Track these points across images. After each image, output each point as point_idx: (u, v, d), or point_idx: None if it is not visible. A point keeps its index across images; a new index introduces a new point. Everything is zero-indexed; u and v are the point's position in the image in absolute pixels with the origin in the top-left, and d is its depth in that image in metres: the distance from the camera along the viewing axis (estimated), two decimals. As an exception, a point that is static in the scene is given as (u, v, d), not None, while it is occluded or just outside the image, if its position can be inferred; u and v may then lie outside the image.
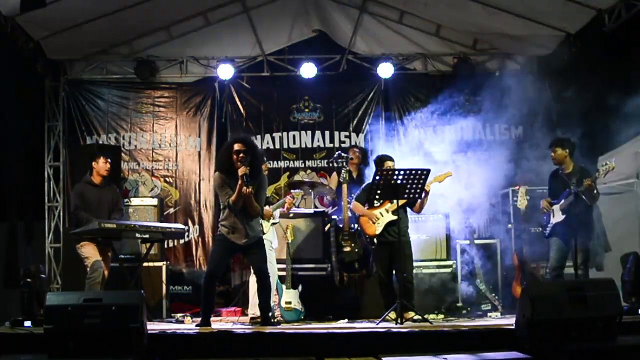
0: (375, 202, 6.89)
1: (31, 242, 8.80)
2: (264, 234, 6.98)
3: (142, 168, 9.37)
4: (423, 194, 6.68)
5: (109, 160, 7.09)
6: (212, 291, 6.39)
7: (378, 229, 6.83)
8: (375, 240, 6.87)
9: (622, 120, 7.21)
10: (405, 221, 6.88)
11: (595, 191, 6.42)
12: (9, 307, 7.10)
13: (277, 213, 7.50)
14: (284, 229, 7.56)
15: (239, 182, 5.99)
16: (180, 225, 7.85)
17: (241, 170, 5.97)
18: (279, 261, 7.50)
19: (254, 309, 6.94)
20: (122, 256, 7.42)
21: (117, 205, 7.16)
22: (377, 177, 6.54)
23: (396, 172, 6.48)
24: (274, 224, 7.33)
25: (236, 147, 6.09)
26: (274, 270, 7.21)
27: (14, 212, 8.66)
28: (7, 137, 8.16)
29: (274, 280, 7.20)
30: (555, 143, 6.79)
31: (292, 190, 7.65)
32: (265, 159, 7.48)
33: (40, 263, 8.58)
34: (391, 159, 7.23)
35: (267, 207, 7.15)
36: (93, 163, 7.05)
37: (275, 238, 7.40)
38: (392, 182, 6.43)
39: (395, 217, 6.68)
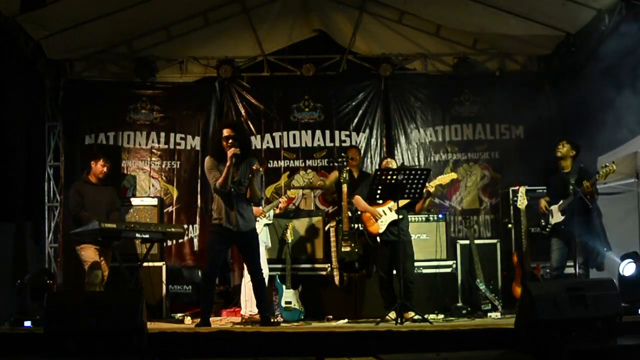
0: (377, 200, 6.88)
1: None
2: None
3: (141, 166, 9.34)
4: (425, 195, 6.68)
5: (108, 165, 7.07)
6: (211, 290, 6.40)
7: (382, 227, 6.81)
8: (378, 239, 6.85)
9: (622, 120, 7.21)
10: (406, 220, 6.88)
11: (595, 193, 6.46)
12: (8, 307, 7.09)
13: (271, 213, 7.48)
14: (284, 229, 7.56)
15: (227, 163, 5.95)
16: (180, 226, 7.85)
17: (230, 151, 5.93)
18: (278, 261, 7.49)
19: (248, 309, 6.96)
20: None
21: (114, 204, 7.15)
22: (377, 177, 6.53)
23: (396, 172, 6.48)
24: (266, 224, 7.29)
25: (225, 132, 6.08)
26: (265, 271, 7.21)
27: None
28: (7, 137, 8.14)
29: (265, 281, 7.20)
30: (565, 139, 6.83)
31: (289, 190, 7.61)
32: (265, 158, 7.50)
33: (40, 263, 8.63)
34: (391, 158, 7.25)
35: (258, 207, 7.13)
36: (92, 162, 7.05)
37: (268, 238, 7.38)
38: (392, 181, 6.43)
39: (397, 217, 6.67)
